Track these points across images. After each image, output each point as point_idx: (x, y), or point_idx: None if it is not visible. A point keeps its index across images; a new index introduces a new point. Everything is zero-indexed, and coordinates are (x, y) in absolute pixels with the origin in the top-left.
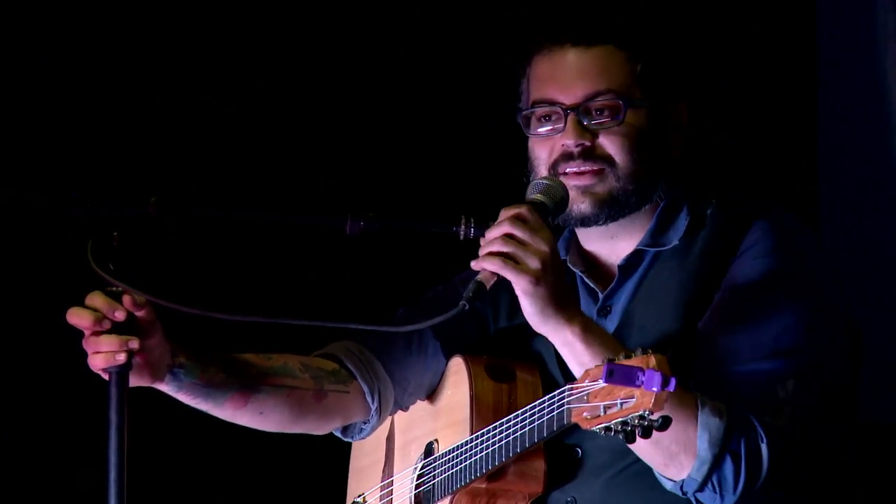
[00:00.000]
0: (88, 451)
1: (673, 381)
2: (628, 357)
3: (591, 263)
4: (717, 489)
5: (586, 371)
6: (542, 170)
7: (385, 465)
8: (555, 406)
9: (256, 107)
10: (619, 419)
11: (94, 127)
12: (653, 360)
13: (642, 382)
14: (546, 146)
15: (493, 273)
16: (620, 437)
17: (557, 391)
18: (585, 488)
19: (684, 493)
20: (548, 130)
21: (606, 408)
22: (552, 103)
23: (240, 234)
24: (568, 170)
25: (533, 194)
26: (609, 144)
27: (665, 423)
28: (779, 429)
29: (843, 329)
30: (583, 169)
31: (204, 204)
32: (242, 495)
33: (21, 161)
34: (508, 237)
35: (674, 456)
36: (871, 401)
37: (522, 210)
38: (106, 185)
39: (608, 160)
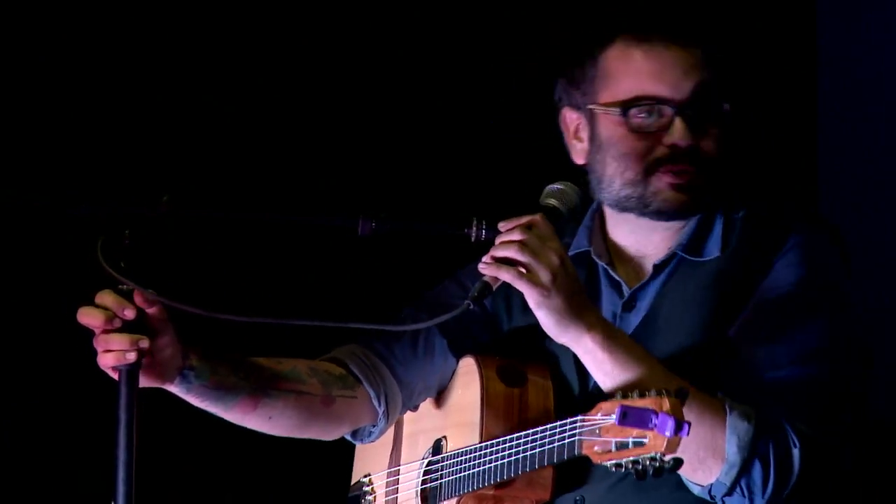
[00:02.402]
0: (97, 449)
1: (686, 427)
2: (643, 396)
3: (618, 255)
4: (746, 493)
5: (599, 404)
6: (635, 164)
7: (392, 450)
8: (566, 435)
9: (271, 107)
10: (631, 458)
11: (106, 125)
12: (667, 404)
13: (655, 426)
14: (646, 142)
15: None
16: (631, 474)
17: (570, 420)
18: (593, 489)
19: (712, 497)
20: (651, 126)
21: (618, 445)
22: (659, 100)
23: (252, 234)
24: (671, 169)
25: (547, 199)
26: (710, 146)
27: (677, 465)
28: (811, 436)
29: (861, 345)
30: (686, 168)
31: (216, 203)
32: (249, 490)
33: (31, 160)
34: (521, 245)
35: (702, 461)
36: (871, 401)
37: (536, 218)
38: (118, 183)
39: (706, 161)
